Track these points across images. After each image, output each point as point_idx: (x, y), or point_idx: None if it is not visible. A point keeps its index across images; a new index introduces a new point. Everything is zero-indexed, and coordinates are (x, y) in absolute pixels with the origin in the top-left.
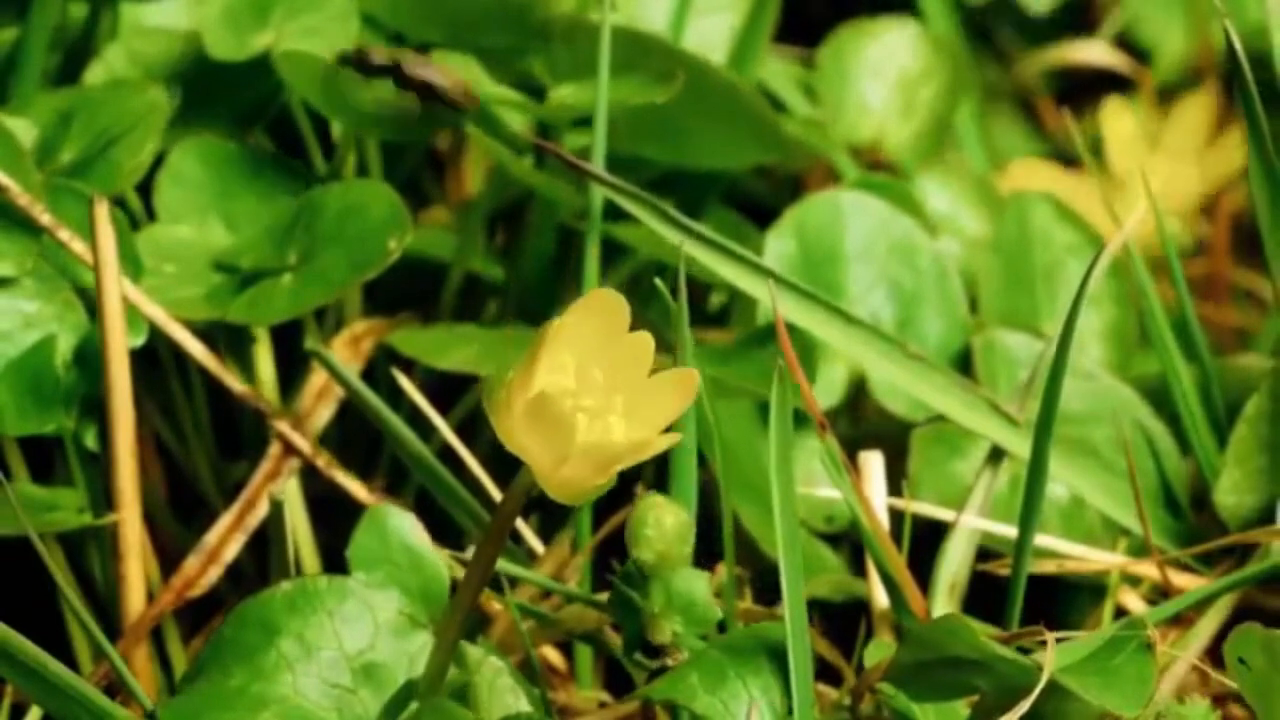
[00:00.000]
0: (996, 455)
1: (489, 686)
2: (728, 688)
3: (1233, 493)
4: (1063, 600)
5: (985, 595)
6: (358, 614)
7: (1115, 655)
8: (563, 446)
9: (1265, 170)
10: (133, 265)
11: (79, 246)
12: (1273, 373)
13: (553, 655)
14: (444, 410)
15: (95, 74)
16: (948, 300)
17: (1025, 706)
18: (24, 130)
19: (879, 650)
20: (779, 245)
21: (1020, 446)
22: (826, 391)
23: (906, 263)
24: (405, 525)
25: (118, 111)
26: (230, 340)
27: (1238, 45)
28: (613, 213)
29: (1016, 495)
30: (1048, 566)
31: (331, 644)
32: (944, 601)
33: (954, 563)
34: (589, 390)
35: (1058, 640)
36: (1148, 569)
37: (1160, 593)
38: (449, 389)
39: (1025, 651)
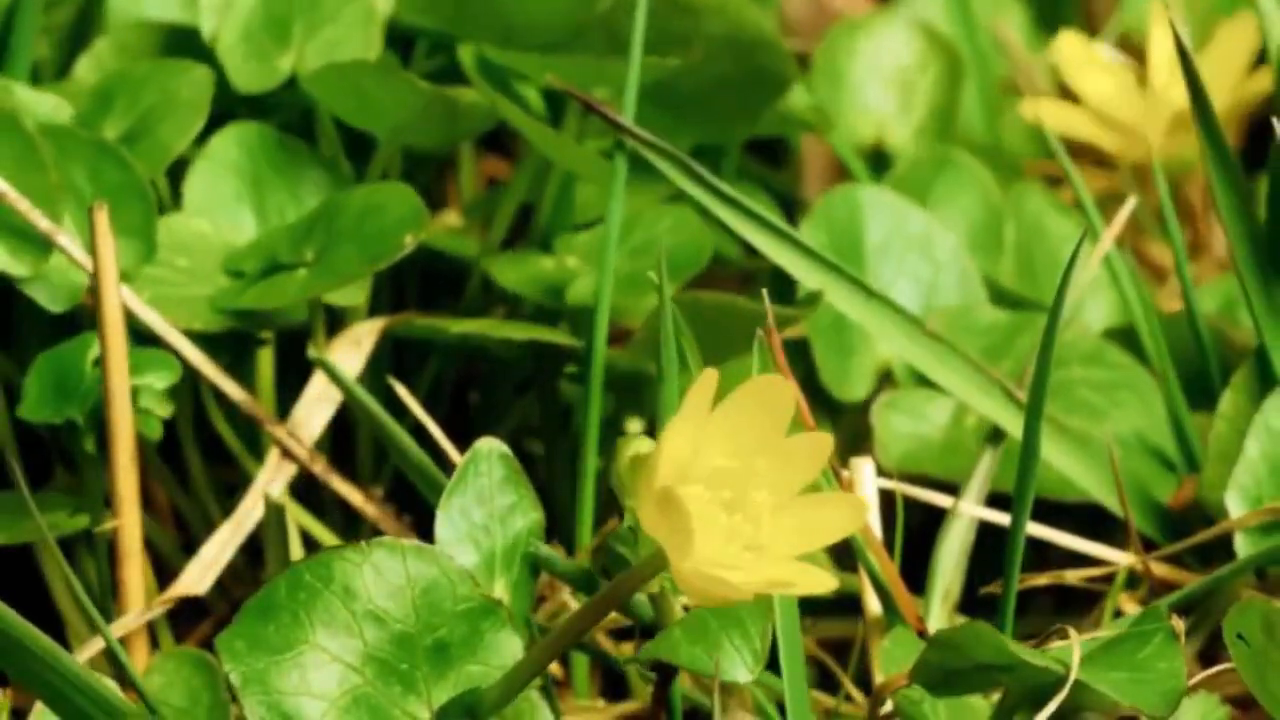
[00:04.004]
0: (997, 437)
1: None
2: (709, 639)
3: (1217, 488)
4: (1056, 596)
5: (977, 586)
6: (440, 587)
7: (1141, 649)
8: (682, 552)
9: (1218, 156)
10: (148, 250)
11: (79, 253)
12: (1247, 368)
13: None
14: (443, 419)
15: (85, 68)
16: (967, 291)
17: (1052, 708)
18: (58, 109)
19: (891, 658)
20: (812, 235)
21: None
22: (856, 383)
23: (925, 255)
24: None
25: (162, 90)
26: (231, 348)
27: (1184, 35)
28: None
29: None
30: (1039, 580)
31: (409, 620)
32: (939, 610)
33: (948, 572)
34: (745, 482)
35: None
36: (1140, 566)
37: (1150, 590)
38: (451, 397)
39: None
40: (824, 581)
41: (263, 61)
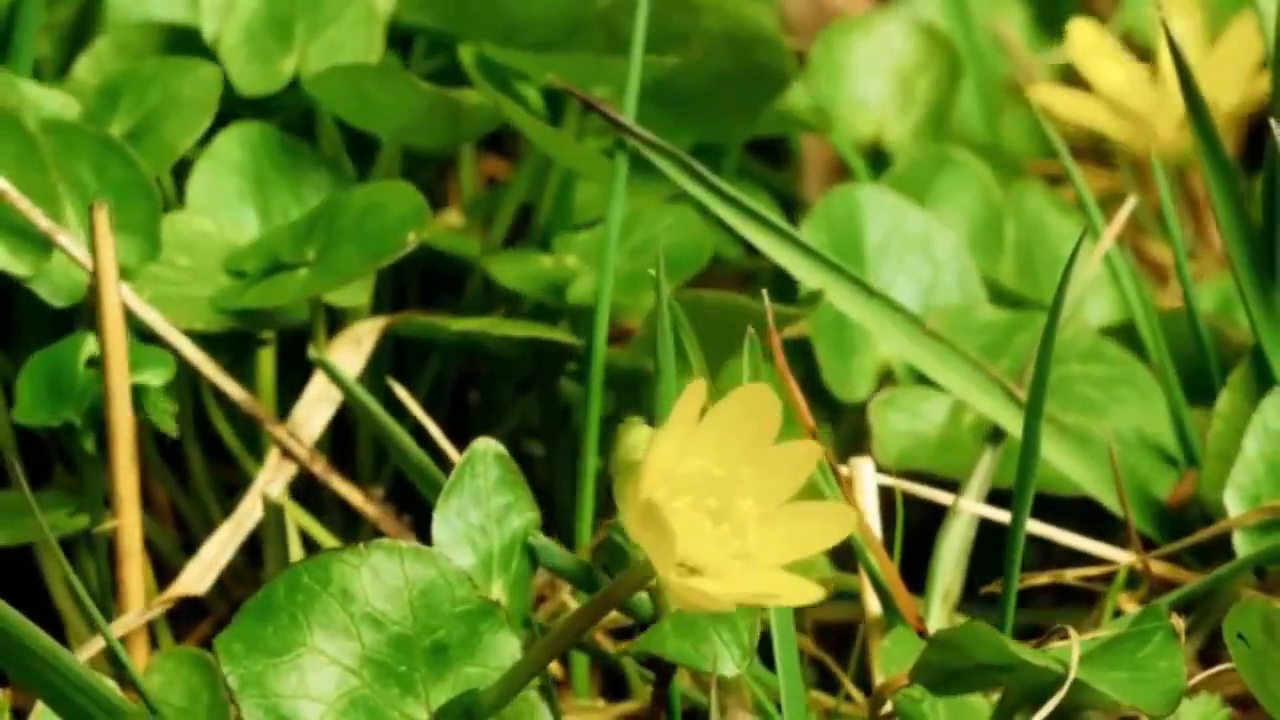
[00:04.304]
0: (996, 436)
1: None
2: (698, 633)
3: (1215, 487)
4: (1056, 595)
5: (977, 584)
6: (438, 589)
7: (1141, 648)
8: (665, 563)
9: (1214, 159)
10: (152, 248)
11: (79, 252)
12: (1244, 368)
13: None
14: (443, 419)
15: (85, 67)
16: (966, 289)
17: (1051, 708)
18: (66, 106)
19: (891, 657)
20: (812, 234)
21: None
22: (857, 382)
23: (925, 255)
24: (498, 476)
25: (166, 89)
26: (231, 348)
27: (1173, 32)
28: None
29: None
30: (1039, 579)
31: (407, 622)
32: (939, 609)
33: (948, 571)
34: (731, 491)
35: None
36: (1139, 565)
37: (1150, 589)
38: (451, 397)
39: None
40: (810, 593)
41: (265, 63)
